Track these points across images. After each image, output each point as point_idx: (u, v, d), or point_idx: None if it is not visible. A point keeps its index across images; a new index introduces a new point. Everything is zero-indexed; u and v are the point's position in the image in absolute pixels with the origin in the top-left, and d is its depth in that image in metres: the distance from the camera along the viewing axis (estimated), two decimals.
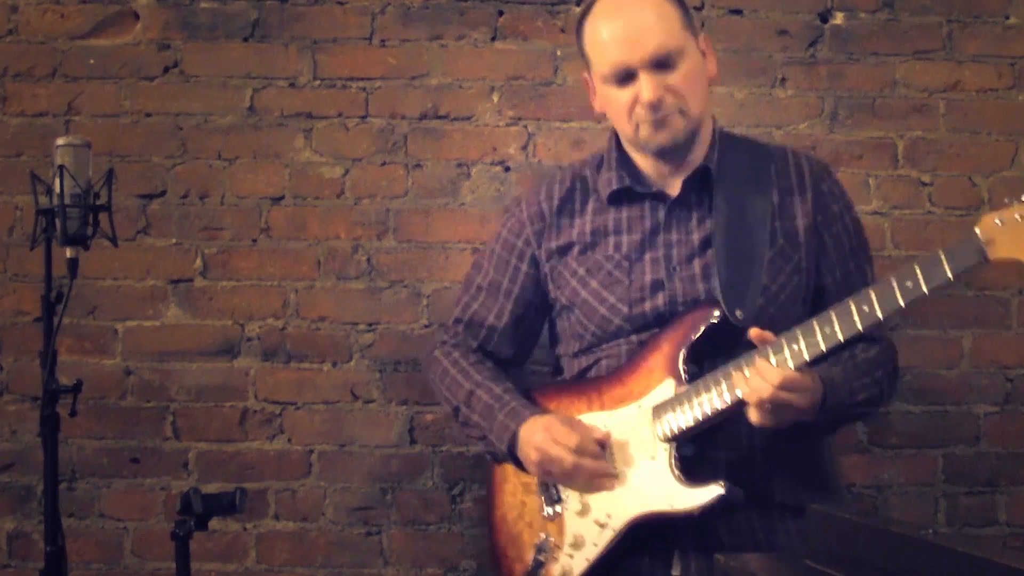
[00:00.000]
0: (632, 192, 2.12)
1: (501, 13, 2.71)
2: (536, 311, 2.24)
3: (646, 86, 1.99)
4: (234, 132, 2.70)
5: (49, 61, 2.70)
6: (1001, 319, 2.70)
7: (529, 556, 2.08)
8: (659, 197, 2.11)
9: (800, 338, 1.86)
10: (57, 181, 2.08)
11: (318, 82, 2.71)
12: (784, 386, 1.83)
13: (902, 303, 1.80)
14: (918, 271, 1.79)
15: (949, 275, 1.76)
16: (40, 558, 2.07)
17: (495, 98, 2.70)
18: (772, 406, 1.85)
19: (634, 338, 2.07)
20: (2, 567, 2.64)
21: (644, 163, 2.13)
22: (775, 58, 2.70)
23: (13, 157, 2.68)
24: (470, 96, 2.70)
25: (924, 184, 2.71)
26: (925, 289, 1.78)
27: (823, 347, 1.84)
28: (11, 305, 2.68)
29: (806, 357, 1.85)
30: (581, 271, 2.13)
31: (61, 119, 2.69)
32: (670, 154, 2.07)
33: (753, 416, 1.88)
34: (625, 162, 2.15)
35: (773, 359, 1.86)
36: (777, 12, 2.71)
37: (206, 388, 2.68)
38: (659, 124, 2.02)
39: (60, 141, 2.14)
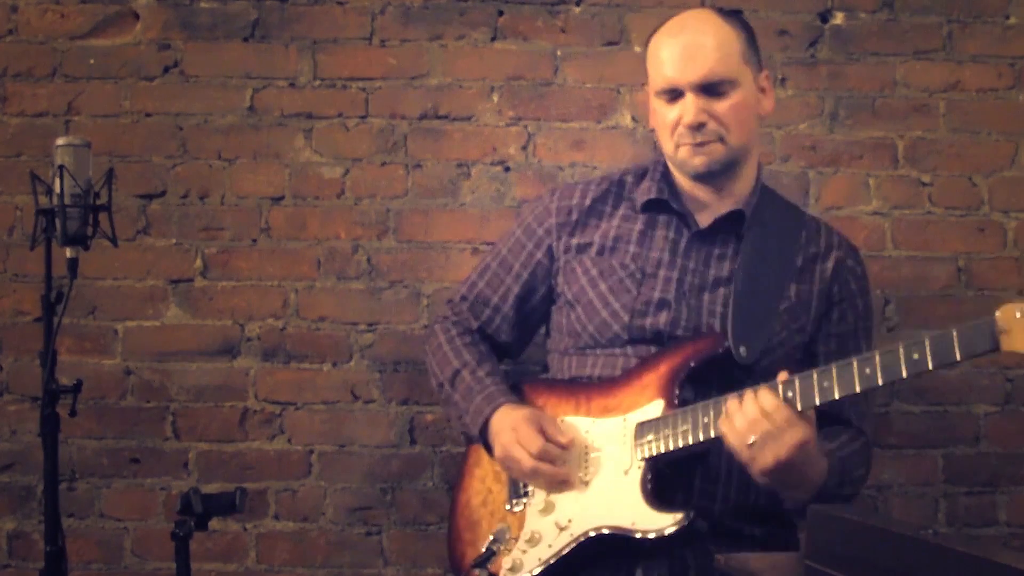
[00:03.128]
0: (666, 206, 2.14)
1: (501, 13, 2.71)
2: (540, 300, 2.25)
3: (689, 108, 2.02)
4: (234, 132, 2.70)
5: (49, 61, 2.70)
6: None
7: (483, 543, 2.07)
8: (687, 220, 2.12)
9: (811, 379, 1.82)
10: (57, 181, 2.08)
11: (318, 82, 2.71)
12: (775, 415, 1.80)
13: (904, 374, 1.74)
14: (927, 346, 1.73)
15: (957, 357, 1.71)
16: (40, 558, 2.07)
17: (495, 98, 2.70)
18: (758, 437, 1.81)
19: (629, 351, 2.07)
20: (2, 567, 2.64)
21: (684, 184, 2.15)
22: (775, 58, 2.70)
23: (13, 157, 2.68)
24: (470, 96, 2.70)
25: (924, 184, 2.71)
26: (930, 365, 1.72)
27: (816, 400, 1.81)
28: (11, 305, 2.68)
29: (815, 400, 1.81)
30: (594, 271, 2.14)
31: (61, 119, 2.69)
32: (706, 179, 2.10)
33: (734, 443, 1.84)
34: (667, 177, 2.17)
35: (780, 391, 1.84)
36: (777, 12, 2.71)
37: (206, 388, 2.68)
38: (697, 148, 2.04)
39: (60, 141, 2.14)
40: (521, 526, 2.05)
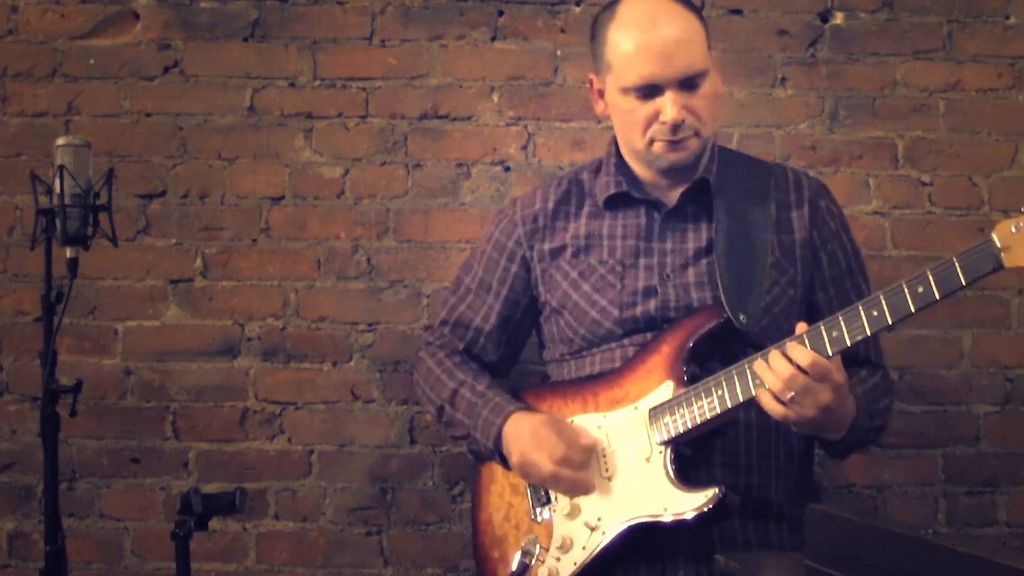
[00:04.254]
0: (628, 197, 2.12)
1: (501, 13, 2.71)
2: (523, 313, 2.22)
3: (671, 105, 1.98)
4: (234, 132, 2.70)
5: (49, 61, 2.70)
6: (1001, 319, 2.70)
7: (514, 558, 2.06)
8: (655, 205, 2.11)
9: (837, 323, 1.82)
10: (57, 181, 2.09)
11: (318, 82, 2.71)
12: (812, 369, 1.80)
13: (913, 309, 1.76)
14: (930, 277, 1.75)
15: (963, 281, 1.73)
16: (40, 558, 2.07)
17: (495, 98, 2.71)
18: (796, 393, 1.81)
19: (626, 342, 2.06)
20: (2, 567, 2.64)
21: (643, 172, 2.12)
22: (775, 58, 2.70)
23: (13, 157, 2.69)
24: (470, 96, 2.70)
25: (924, 184, 2.71)
26: (937, 295, 1.75)
27: (847, 342, 1.81)
28: (11, 305, 2.68)
29: (828, 350, 1.82)
30: (573, 274, 2.12)
31: (61, 119, 2.69)
32: (677, 172, 2.08)
33: (771, 405, 1.84)
34: (623, 168, 2.14)
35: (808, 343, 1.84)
36: (777, 12, 2.71)
37: (206, 388, 2.68)
38: (675, 145, 2.02)
39: (60, 141, 2.14)
40: (550, 534, 2.02)
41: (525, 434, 2.01)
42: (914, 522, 2.64)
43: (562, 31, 2.70)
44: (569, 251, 2.14)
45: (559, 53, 2.71)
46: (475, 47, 2.71)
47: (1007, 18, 2.72)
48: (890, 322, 1.79)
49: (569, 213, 2.17)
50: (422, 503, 2.67)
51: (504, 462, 2.08)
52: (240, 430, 2.68)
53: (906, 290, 1.76)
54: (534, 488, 2.07)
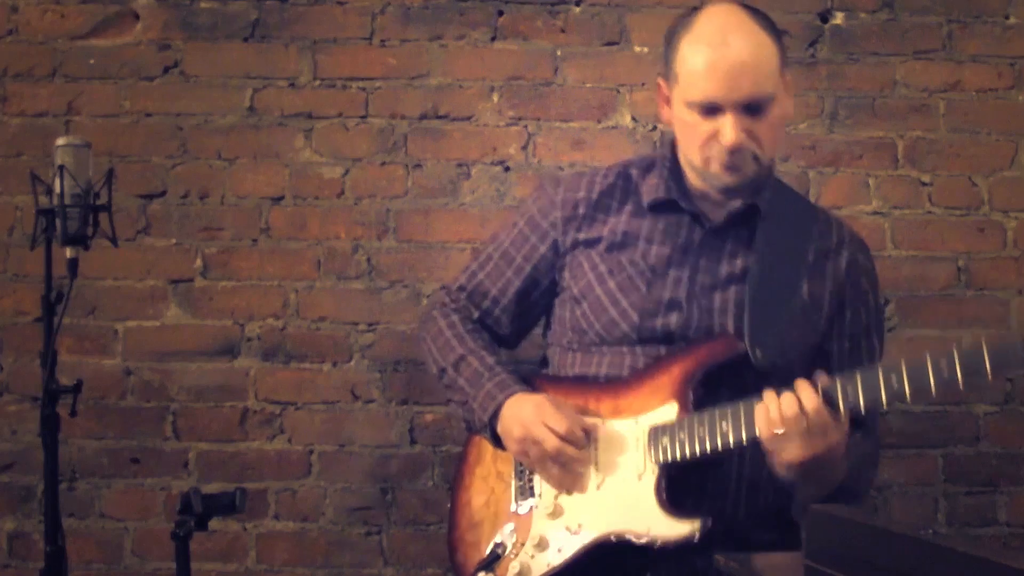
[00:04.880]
0: (674, 205, 2.07)
1: (501, 13, 2.71)
2: (541, 294, 2.18)
3: (729, 128, 1.93)
4: (234, 132, 2.70)
5: (49, 61, 2.70)
6: (1001, 319, 2.70)
7: (487, 545, 2.03)
8: (699, 219, 2.06)
9: (855, 381, 1.79)
10: (57, 181, 2.08)
11: (318, 82, 2.71)
12: (815, 416, 1.78)
13: (934, 392, 1.71)
14: (956, 356, 1.69)
15: (989, 374, 1.67)
16: (40, 558, 2.07)
17: (495, 98, 2.71)
18: (794, 432, 1.79)
19: (638, 350, 2.03)
20: (2, 567, 2.64)
21: (696, 182, 2.07)
22: None
23: (13, 157, 2.69)
24: (470, 96, 2.70)
25: (924, 184, 2.71)
26: (961, 383, 1.69)
27: (861, 404, 1.78)
28: (11, 305, 2.68)
29: (861, 402, 1.79)
30: (602, 268, 2.08)
31: (61, 119, 2.69)
32: (731, 191, 2.03)
33: (773, 445, 1.82)
34: (676, 174, 2.09)
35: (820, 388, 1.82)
36: (777, 12, 2.68)
37: (206, 388, 2.68)
38: (731, 168, 1.97)
39: (60, 141, 2.14)
40: (528, 529, 2.00)
41: (529, 409, 1.98)
42: (914, 522, 2.64)
43: (562, 31, 2.70)
44: (604, 244, 2.10)
45: (559, 53, 2.71)
46: (475, 47, 2.71)
47: (1007, 18, 2.72)
48: (908, 400, 1.75)
49: (611, 207, 2.12)
50: (422, 503, 2.67)
51: (495, 440, 2.05)
52: (240, 430, 2.68)
53: (929, 366, 1.71)
54: (520, 478, 2.05)
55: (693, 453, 1.89)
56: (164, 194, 2.70)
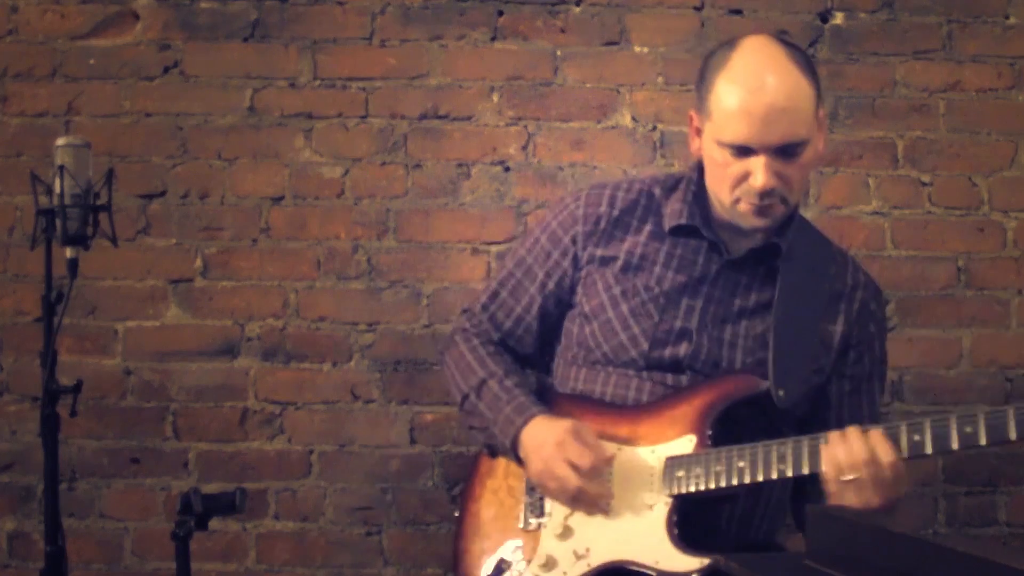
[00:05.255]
0: (695, 231, 2.04)
1: (501, 13, 2.71)
2: (563, 311, 2.15)
3: (760, 172, 1.89)
4: (234, 132, 2.70)
5: (49, 61, 2.70)
6: (1001, 319, 2.70)
7: (492, 560, 2.02)
8: (718, 248, 2.03)
9: (923, 430, 1.80)
10: (57, 181, 2.08)
11: (318, 82, 2.71)
12: (886, 466, 1.79)
13: (984, 441, 1.76)
14: (1010, 417, 1.74)
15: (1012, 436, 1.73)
16: (40, 558, 2.07)
17: (495, 98, 2.71)
18: (862, 479, 1.79)
19: (644, 375, 2.02)
20: (2, 567, 2.64)
21: (721, 211, 2.03)
22: None
23: (13, 157, 2.69)
24: (470, 96, 2.70)
25: (924, 184, 2.71)
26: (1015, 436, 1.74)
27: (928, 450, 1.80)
28: (11, 305, 2.68)
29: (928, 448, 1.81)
30: (616, 290, 2.05)
31: (61, 119, 2.69)
32: (756, 230, 2.01)
33: (838, 488, 1.81)
34: (701, 200, 2.06)
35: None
36: (777, 12, 2.71)
37: (206, 388, 2.68)
38: (760, 212, 1.95)
39: (60, 141, 2.13)
40: (535, 547, 1.98)
41: (551, 443, 1.94)
42: (914, 522, 2.64)
43: (562, 31, 2.70)
44: (619, 264, 2.06)
45: (559, 53, 2.70)
46: (475, 47, 2.71)
47: (1007, 18, 2.72)
48: (984, 443, 1.76)
49: (631, 225, 2.08)
50: (422, 503, 2.67)
51: (519, 461, 2.03)
52: (240, 430, 2.68)
53: (1012, 417, 1.74)
54: (531, 495, 2.03)
55: (707, 487, 1.88)
56: (164, 194, 2.70)
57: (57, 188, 2.08)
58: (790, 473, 1.85)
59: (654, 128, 2.68)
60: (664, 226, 2.06)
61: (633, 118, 2.70)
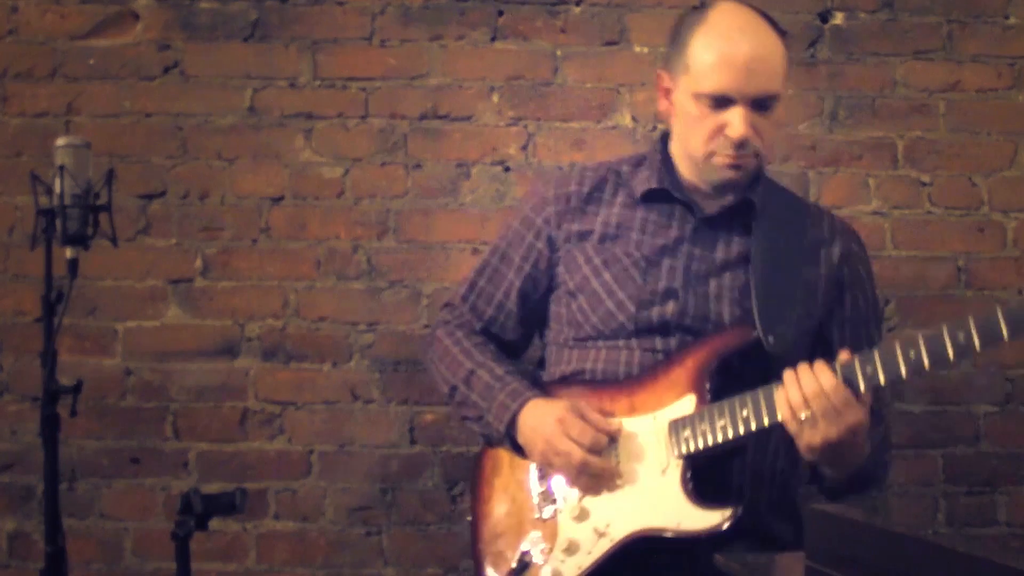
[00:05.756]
0: (667, 195, 2.08)
1: (501, 13, 2.71)
2: (543, 294, 2.18)
3: (739, 121, 1.96)
4: (234, 132, 2.70)
5: (49, 61, 2.70)
6: None
7: (514, 555, 2.02)
8: (691, 208, 2.07)
9: (872, 357, 1.81)
10: (57, 181, 2.08)
11: (318, 82, 2.71)
12: (834, 395, 1.79)
13: (951, 357, 1.75)
14: (972, 325, 1.73)
15: (1005, 334, 1.71)
16: (40, 558, 2.07)
17: (495, 98, 2.71)
18: (814, 414, 1.80)
19: (633, 342, 2.03)
20: (2, 567, 2.64)
21: (689, 175, 2.09)
22: None
23: (13, 157, 2.69)
24: (470, 96, 2.70)
25: (924, 184, 2.71)
26: (978, 346, 1.72)
27: (881, 380, 1.80)
28: (11, 305, 2.68)
29: (880, 378, 1.80)
30: (597, 260, 2.09)
31: (61, 119, 2.69)
32: (726, 189, 2.06)
33: (796, 429, 1.83)
34: (668, 167, 2.11)
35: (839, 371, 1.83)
36: (777, 12, 2.67)
37: (206, 388, 2.68)
38: (734, 164, 2.00)
39: (60, 141, 2.13)
40: (554, 535, 1.99)
41: (551, 422, 1.97)
42: (914, 522, 2.64)
43: (562, 31, 2.70)
44: (596, 236, 2.10)
45: (559, 53, 2.71)
46: (475, 47, 2.71)
47: (1007, 18, 2.72)
48: (926, 366, 1.76)
49: (602, 199, 2.13)
50: (422, 503, 2.67)
51: (515, 448, 2.04)
52: (240, 430, 2.68)
53: (946, 337, 1.75)
54: (542, 486, 2.04)
55: (715, 442, 1.90)
56: (164, 194, 2.70)
57: (57, 188, 2.08)
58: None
59: (654, 128, 2.68)
60: (635, 195, 2.11)
61: (633, 118, 2.70)
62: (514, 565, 2.01)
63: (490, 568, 2.08)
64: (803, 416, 1.81)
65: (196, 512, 2.05)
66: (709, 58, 1.97)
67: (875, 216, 2.70)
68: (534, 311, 2.20)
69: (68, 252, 2.10)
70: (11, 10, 2.69)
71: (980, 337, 1.72)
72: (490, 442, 2.12)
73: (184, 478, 2.66)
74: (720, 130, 1.98)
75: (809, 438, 1.83)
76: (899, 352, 1.78)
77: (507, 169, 2.70)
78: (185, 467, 2.67)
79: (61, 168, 2.09)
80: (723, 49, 1.97)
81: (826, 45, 2.71)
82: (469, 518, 2.16)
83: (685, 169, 2.09)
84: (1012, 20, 2.72)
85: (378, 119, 2.71)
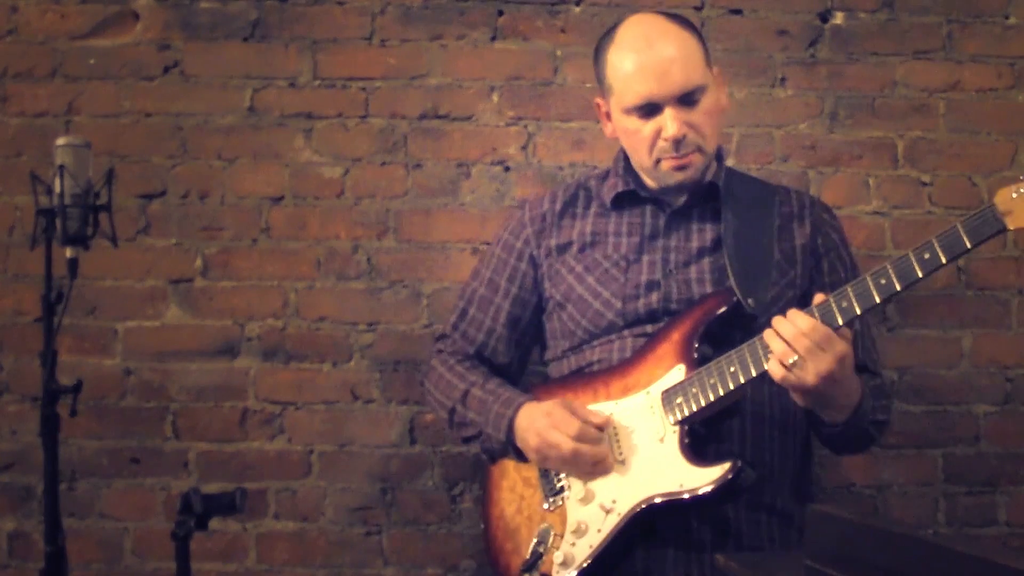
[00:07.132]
0: (635, 196, 2.17)
1: (501, 13, 2.71)
2: (532, 313, 2.26)
3: (671, 121, 2.03)
4: (234, 132, 2.70)
5: (49, 61, 2.70)
6: (1001, 319, 2.70)
7: (528, 548, 2.07)
8: (661, 204, 2.16)
9: (846, 294, 1.86)
10: (57, 181, 2.08)
11: (318, 82, 2.71)
12: (813, 334, 1.83)
13: (920, 274, 1.82)
14: (936, 244, 1.81)
15: (967, 244, 1.79)
16: (40, 558, 2.06)
17: (495, 98, 2.71)
18: (799, 356, 1.83)
19: (626, 333, 2.10)
20: (2, 567, 2.64)
21: (651, 182, 2.17)
22: (775, 58, 2.70)
23: (13, 157, 2.69)
24: (470, 96, 2.70)
25: (924, 184, 2.71)
26: (943, 259, 1.80)
27: (857, 309, 1.85)
28: (11, 305, 2.68)
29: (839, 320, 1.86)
30: (579, 268, 2.17)
31: (61, 119, 2.69)
32: (681, 191, 2.14)
33: (773, 367, 1.86)
34: (631, 172, 2.19)
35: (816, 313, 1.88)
36: (777, 12, 2.71)
37: (206, 388, 2.68)
38: (680, 166, 2.07)
39: (60, 141, 2.13)
40: (564, 521, 2.04)
41: (540, 417, 2.03)
42: (914, 522, 2.64)
43: (562, 31, 2.70)
44: (575, 247, 2.19)
45: (559, 53, 2.71)
46: (475, 47, 2.71)
47: (1007, 18, 2.72)
48: (898, 288, 1.82)
49: (576, 213, 2.22)
50: (422, 503, 2.67)
51: (518, 454, 2.10)
52: (240, 430, 2.68)
53: (912, 258, 1.82)
54: (545, 477, 2.09)
55: (708, 400, 1.94)
56: (164, 194, 2.70)
57: (57, 188, 2.08)
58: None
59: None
60: (606, 203, 2.20)
61: None
62: (527, 556, 2.05)
63: (504, 565, 2.13)
64: (790, 361, 1.84)
65: (196, 512, 2.05)
66: (626, 72, 2.06)
67: (875, 216, 2.70)
68: (525, 333, 2.28)
69: (68, 252, 2.10)
70: (11, 10, 2.69)
71: (944, 250, 1.80)
72: (493, 457, 2.18)
73: (184, 478, 2.66)
74: (657, 136, 2.06)
75: (800, 379, 1.85)
76: (870, 282, 1.84)
77: (507, 169, 2.70)
78: (185, 467, 2.67)
79: (61, 168, 2.08)
80: (635, 60, 2.05)
81: (826, 45, 2.71)
82: (482, 525, 2.22)
83: (644, 179, 2.18)
84: (1012, 20, 2.72)
85: (378, 119, 2.71)
